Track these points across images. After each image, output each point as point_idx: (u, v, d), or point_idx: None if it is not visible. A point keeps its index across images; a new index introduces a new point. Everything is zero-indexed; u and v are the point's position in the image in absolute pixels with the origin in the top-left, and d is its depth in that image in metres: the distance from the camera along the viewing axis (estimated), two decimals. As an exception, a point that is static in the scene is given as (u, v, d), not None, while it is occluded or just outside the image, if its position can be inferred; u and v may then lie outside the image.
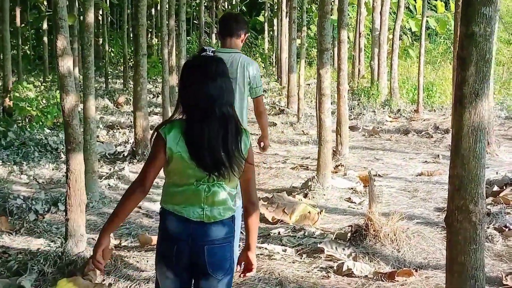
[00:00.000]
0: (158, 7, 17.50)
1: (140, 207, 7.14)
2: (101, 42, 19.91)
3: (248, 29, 5.36)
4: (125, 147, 10.19)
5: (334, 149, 9.17)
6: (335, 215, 6.83)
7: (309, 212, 6.55)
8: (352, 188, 7.81)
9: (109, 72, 19.75)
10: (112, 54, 24.75)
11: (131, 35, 24.25)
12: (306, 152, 10.53)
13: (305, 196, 7.42)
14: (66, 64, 5.02)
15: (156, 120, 13.37)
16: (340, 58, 9.24)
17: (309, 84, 19.29)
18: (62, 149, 9.93)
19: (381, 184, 7.97)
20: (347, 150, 9.57)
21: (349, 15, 21.86)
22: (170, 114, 10.46)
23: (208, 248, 2.97)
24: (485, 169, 3.57)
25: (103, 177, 8.45)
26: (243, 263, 3.20)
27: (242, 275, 3.23)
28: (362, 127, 12.51)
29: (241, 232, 4.74)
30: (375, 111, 14.53)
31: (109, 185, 8.16)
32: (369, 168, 9.00)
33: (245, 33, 5.02)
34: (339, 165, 8.81)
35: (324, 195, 7.50)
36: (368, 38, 22.87)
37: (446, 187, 7.84)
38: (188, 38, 28.04)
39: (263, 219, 6.53)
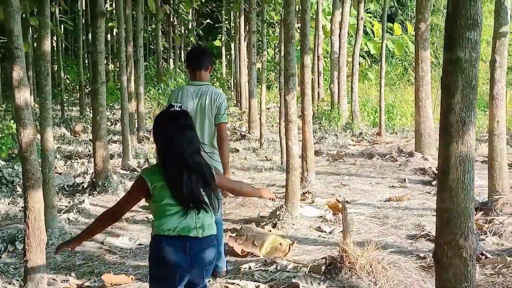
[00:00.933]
0: (114, 33, 17.21)
1: (102, 243, 6.81)
2: (56, 69, 19.49)
3: (213, 61, 5.97)
4: (84, 178, 9.82)
5: (301, 176, 8.97)
6: (306, 245, 6.61)
7: (280, 244, 6.31)
8: (321, 217, 7.61)
9: (65, 100, 19.31)
10: (68, 81, 24.26)
11: (87, 62, 23.93)
12: (271, 179, 10.32)
13: (274, 226, 7.19)
14: (23, 95, 4.72)
15: (115, 148, 13.01)
16: (303, 83, 9.06)
17: (268, 108, 19.15)
18: (19, 181, 9.52)
19: (350, 211, 7.77)
20: (313, 176, 9.38)
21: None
22: (129, 143, 10.13)
23: (205, 270, 3.56)
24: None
25: (62, 211, 8.09)
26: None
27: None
28: (325, 151, 12.37)
29: None
30: (337, 135, 14.44)
31: (68, 219, 7.80)
32: (336, 195, 8.85)
33: (211, 65, 5.64)
34: (306, 193, 8.61)
35: (294, 224, 7.28)
36: (326, 61, 22.93)
37: (415, 213, 7.78)
38: (145, 63, 27.71)
39: (232, 252, 6.28)
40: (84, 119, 17.75)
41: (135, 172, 10.29)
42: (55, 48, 19.90)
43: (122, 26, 11.65)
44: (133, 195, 3.55)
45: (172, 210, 3.45)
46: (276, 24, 25.30)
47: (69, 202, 8.63)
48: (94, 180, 9.12)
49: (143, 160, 11.25)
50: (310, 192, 8.67)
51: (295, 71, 7.46)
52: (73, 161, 11.48)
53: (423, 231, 6.84)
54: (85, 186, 9.32)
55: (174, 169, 3.42)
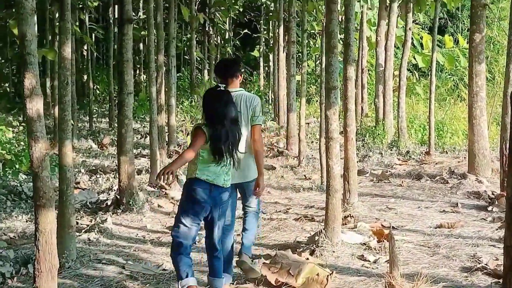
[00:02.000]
0: (147, 42, 17.06)
1: (123, 267, 6.51)
2: (86, 78, 19.43)
3: (241, 70, 6.27)
4: (109, 194, 9.57)
5: (342, 197, 8.57)
6: (347, 276, 6.22)
7: (317, 274, 5.92)
8: (364, 244, 7.20)
9: (94, 111, 19.21)
10: (98, 92, 24.22)
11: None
12: (310, 199, 9.94)
13: (312, 253, 6.81)
14: (35, 106, 4.46)
15: (144, 163, 12.79)
16: (346, 96, 8.70)
17: (308, 123, 18.79)
18: (38, 197, 9.31)
19: (397, 239, 7.34)
20: (356, 198, 8.98)
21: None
22: (158, 158, 9.84)
23: (221, 207, 5.35)
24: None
25: (83, 230, 7.83)
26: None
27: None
28: (369, 171, 11.93)
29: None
30: (382, 153, 14.00)
31: (89, 239, 7.54)
32: (382, 219, 8.44)
33: (241, 74, 6.10)
34: (348, 216, 8.21)
35: (334, 252, 6.88)
36: (370, 74, 22.51)
37: (470, 242, 7.30)
38: (178, 74, 27.61)
39: (265, 281, 5.93)
40: (113, 131, 17.59)
41: (163, 190, 10.00)
42: (86, 57, 19.86)
43: (152, 33, 11.41)
44: (200, 139, 5.12)
45: (211, 162, 5.17)
46: (317, 35, 25.03)
47: (91, 221, 8.38)
48: (118, 197, 8.86)
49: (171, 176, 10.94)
50: (353, 216, 8.27)
51: (337, 83, 7.10)
52: (98, 176, 11.25)
53: (479, 263, 6.38)
54: (109, 203, 9.06)
55: (217, 130, 5.11)
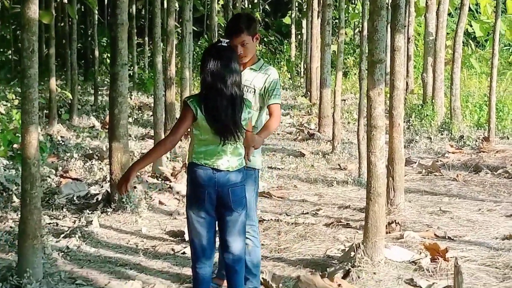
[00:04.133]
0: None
1: (104, 289, 5.45)
2: (89, 45, 18.34)
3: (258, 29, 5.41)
4: (102, 187, 8.49)
5: (385, 198, 7.40)
6: (392, 309, 5.09)
7: (353, 309, 4.80)
8: (414, 262, 6.04)
9: (100, 82, 18.08)
10: (107, 60, 23.06)
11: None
12: (345, 196, 8.78)
13: (347, 274, 5.67)
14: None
15: (150, 145, 11.68)
16: (394, 72, 7.56)
17: (344, 100, 17.54)
18: (16, 189, 8.30)
19: (453, 255, 6.18)
20: (402, 198, 7.82)
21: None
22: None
23: (231, 190, 4.54)
24: None
25: (62, 235, 6.77)
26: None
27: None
28: (418, 161, 10.70)
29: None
30: (430, 138, 12.77)
31: (67, 248, 6.47)
32: (434, 226, 7.27)
33: (257, 35, 5.14)
34: (392, 222, 7.05)
35: (375, 273, 5.72)
36: (417, 44, 21.20)
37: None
38: (199, 42, 26.50)
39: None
40: (121, 107, 16.55)
41: (167, 182, 8.91)
42: (89, 22, 18.78)
43: (158, -9, 10.24)
44: (184, 120, 4.46)
45: (208, 142, 4.47)
46: (358, -1, 23.73)
47: (74, 222, 7.32)
48: (110, 192, 7.78)
49: (180, 164, 9.85)
50: (398, 223, 7.09)
51: (383, 56, 5.90)
52: (93, 162, 10.16)
53: None
54: (99, 198, 7.99)
55: (214, 101, 4.39)
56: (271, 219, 7.50)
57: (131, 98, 18.53)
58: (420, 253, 6.25)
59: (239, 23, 4.98)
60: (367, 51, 6.44)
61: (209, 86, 4.41)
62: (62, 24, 20.29)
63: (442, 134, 13.04)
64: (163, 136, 9.75)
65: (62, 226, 7.18)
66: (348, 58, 24.32)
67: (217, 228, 4.71)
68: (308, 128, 14.49)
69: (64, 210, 7.77)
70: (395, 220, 7.15)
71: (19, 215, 5.63)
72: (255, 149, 4.85)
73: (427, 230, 7.09)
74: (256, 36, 5.05)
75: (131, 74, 22.11)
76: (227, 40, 4.60)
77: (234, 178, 4.54)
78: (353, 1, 26.01)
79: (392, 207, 7.65)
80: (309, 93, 18.51)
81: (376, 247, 5.88)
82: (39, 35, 6.70)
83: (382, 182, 5.96)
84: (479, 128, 13.46)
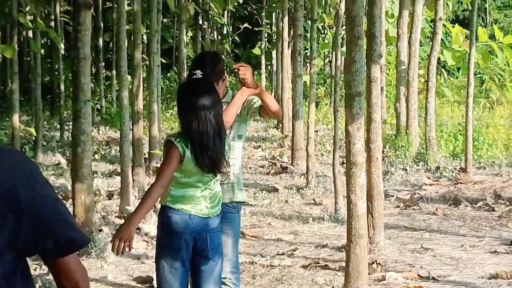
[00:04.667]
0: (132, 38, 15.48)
1: None
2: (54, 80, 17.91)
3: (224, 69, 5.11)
4: (66, 230, 8.04)
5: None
6: None
7: None
8: (399, 308, 5.69)
9: (66, 117, 17.59)
10: (72, 95, 22.65)
11: (93, 69, 22.32)
12: (322, 234, 8.42)
13: (328, 323, 5.30)
14: None
15: (119, 183, 11.22)
16: (370, 104, 7.20)
17: (316, 131, 17.21)
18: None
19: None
20: (382, 235, 7.47)
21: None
22: (130, 181, 8.42)
23: (209, 237, 4.19)
24: None
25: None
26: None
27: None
28: (395, 194, 10.38)
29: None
30: (406, 169, 12.47)
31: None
32: (417, 266, 6.92)
33: (224, 75, 4.84)
34: (373, 263, 6.68)
35: (357, 321, 5.36)
36: (387, 73, 21.02)
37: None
38: (168, 74, 26.18)
39: None
40: (88, 142, 16.09)
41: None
42: (55, 55, 18.35)
43: (123, 24, 9.83)
44: (171, 162, 4.05)
45: (188, 186, 4.13)
46: (328, 28, 23.54)
47: (35, 269, 6.86)
48: (74, 236, 7.34)
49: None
50: (379, 263, 6.73)
51: (362, 88, 5.58)
52: (58, 202, 9.70)
53: None
54: (63, 243, 7.54)
55: (200, 136, 4.05)
56: (245, 262, 7.10)
57: (98, 133, 18.11)
58: (404, 296, 5.91)
59: (203, 68, 4.52)
60: (341, 82, 6.12)
61: (192, 121, 4.06)
62: (28, 58, 19.92)
63: (418, 165, 12.76)
64: (130, 174, 9.35)
65: (21, 274, 6.72)
66: (320, 88, 24.10)
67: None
68: (281, 161, 14.14)
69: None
70: (376, 260, 6.78)
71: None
72: (248, 82, 4.61)
73: (410, 270, 6.75)
74: (223, 78, 4.72)
75: (99, 108, 21.70)
76: (201, 72, 4.25)
77: (212, 224, 4.20)
78: (322, 31, 25.86)
79: (372, 245, 7.28)
80: (280, 125, 18.21)
81: (359, 293, 5.52)
82: (4, 70, 6.31)
83: (364, 223, 5.61)
84: (455, 158, 13.21)
